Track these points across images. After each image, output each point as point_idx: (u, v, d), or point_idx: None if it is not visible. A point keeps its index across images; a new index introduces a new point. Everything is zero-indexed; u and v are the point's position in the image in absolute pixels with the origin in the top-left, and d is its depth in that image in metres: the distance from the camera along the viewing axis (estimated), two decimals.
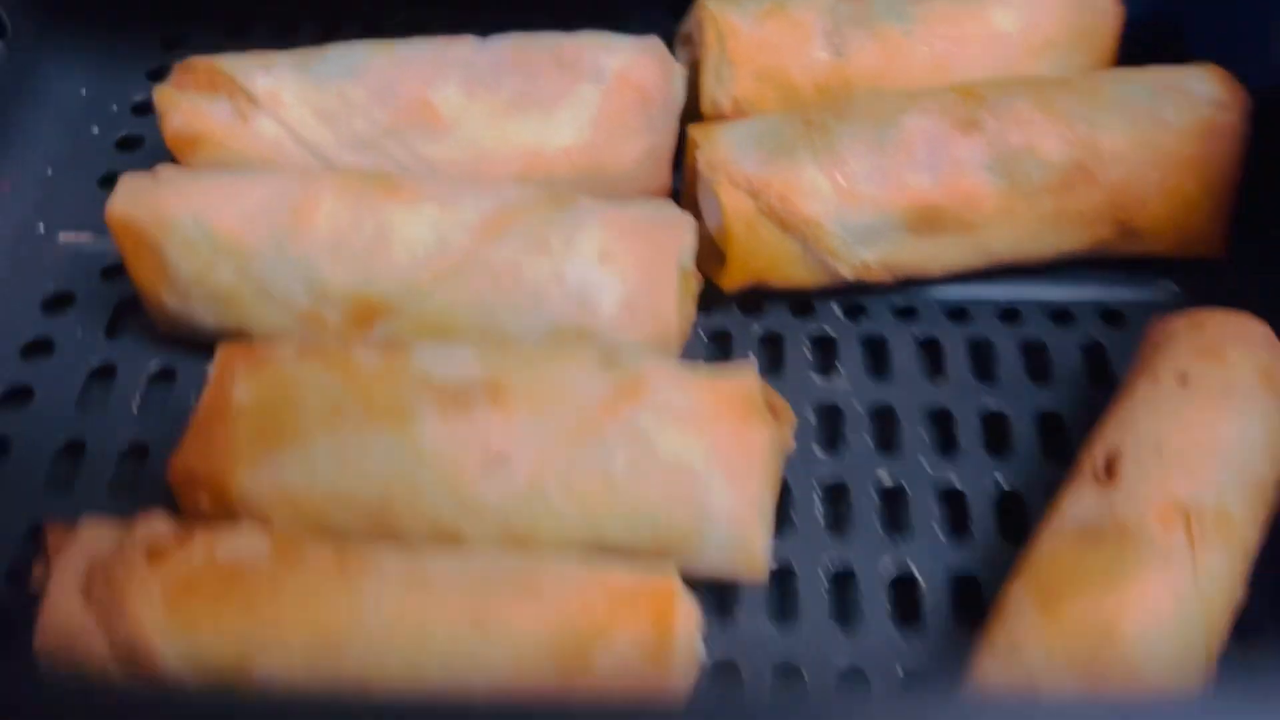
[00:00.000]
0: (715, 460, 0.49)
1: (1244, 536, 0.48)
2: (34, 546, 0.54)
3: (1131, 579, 0.46)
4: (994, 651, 0.47)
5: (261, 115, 0.62)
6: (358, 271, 0.56)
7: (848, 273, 0.62)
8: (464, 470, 0.49)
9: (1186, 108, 0.61)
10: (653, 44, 0.63)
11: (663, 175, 0.64)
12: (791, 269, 0.62)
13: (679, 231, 0.57)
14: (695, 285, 0.59)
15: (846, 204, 0.60)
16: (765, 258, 0.61)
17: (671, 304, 0.56)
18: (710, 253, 0.62)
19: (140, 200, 0.57)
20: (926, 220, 0.60)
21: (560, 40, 0.63)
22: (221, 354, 0.52)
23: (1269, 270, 0.63)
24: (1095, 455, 0.52)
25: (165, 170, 0.58)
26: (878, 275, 0.62)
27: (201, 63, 0.63)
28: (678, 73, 0.63)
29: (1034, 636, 0.46)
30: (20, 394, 0.61)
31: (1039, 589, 0.48)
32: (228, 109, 0.62)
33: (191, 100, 0.62)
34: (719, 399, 0.51)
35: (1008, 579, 0.50)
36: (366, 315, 0.56)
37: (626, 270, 0.56)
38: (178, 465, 0.50)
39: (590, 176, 0.62)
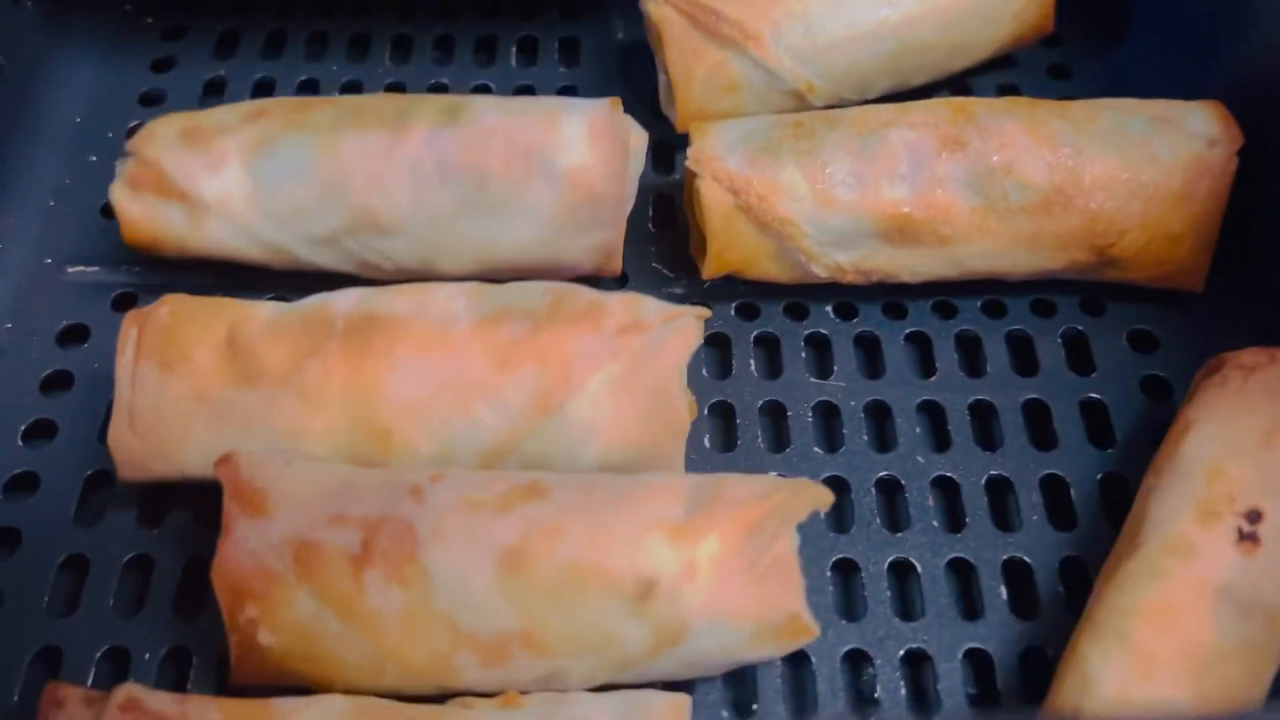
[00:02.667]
0: None
1: None
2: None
3: None
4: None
5: (214, 219, 0.61)
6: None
7: (821, 272, 0.64)
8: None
9: (1179, 142, 0.62)
10: (607, 127, 0.61)
11: (613, 264, 0.64)
12: (767, 265, 0.64)
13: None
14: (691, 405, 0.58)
15: (822, 207, 0.62)
16: (742, 251, 0.63)
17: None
18: (700, 244, 0.65)
19: None
20: (900, 230, 0.62)
21: (512, 127, 0.61)
22: (218, 582, 0.49)
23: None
24: (1233, 505, 0.50)
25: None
26: (851, 278, 0.64)
27: (150, 162, 0.61)
28: (632, 161, 0.62)
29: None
30: (43, 430, 0.62)
31: (1184, 654, 0.47)
32: (181, 212, 0.61)
33: (145, 202, 0.61)
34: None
35: (1105, 605, 0.50)
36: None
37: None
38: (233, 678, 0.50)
39: (541, 266, 0.63)
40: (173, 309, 0.56)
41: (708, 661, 0.50)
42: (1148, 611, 0.49)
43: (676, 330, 0.55)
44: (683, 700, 0.48)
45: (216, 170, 0.61)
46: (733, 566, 0.48)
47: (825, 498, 0.51)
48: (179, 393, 0.54)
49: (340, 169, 0.60)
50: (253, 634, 0.48)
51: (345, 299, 0.57)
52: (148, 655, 0.55)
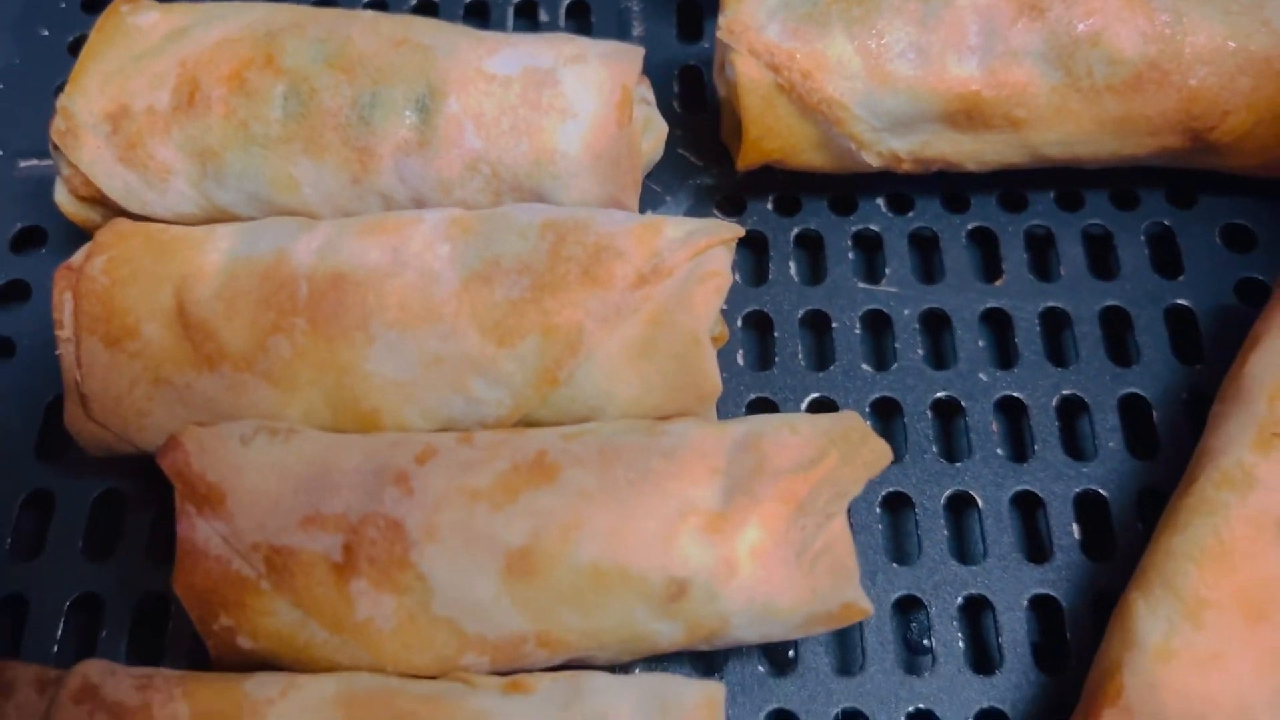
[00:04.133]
0: None
1: None
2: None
3: None
4: (1188, 661, 0.42)
5: (172, 220, 0.55)
6: None
7: (874, 161, 0.56)
8: None
9: None
10: (612, 149, 0.52)
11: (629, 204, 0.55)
12: (811, 154, 0.57)
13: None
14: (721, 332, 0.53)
15: (877, 86, 0.54)
16: (781, 139, 0.56)
17: None
18: (734, 127, 0.58)
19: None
20: (967, 113, 0.54)
21: (495, 158, 0.52)
22: (183, 593, 0.43)
23: None
24: None
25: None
26: (907, 167, 0.57)
27: (85, 178, 0.55)
28: (646, 158, 0.57)
29: (1239, 648, 0.42)
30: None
31: (1242, 596, 0.43)
32: (137, 215, 0.55)
33: (96, 210, 0.56)
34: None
35: (1158, 549, 0.46)
36: None
37: None
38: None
39: None
40: (108, 263, 0.49)
41: (746, 644, 0.45)
42: (1199, 552, 0.44)
43: (702, 277, 0.46)
44: (716, 692, 0.42)
45: (162, 192, 0.55)
46: (778, 557, 0.42)
47: (884, 455, 0.44)
48: (132, 375, 0.47)
49: (303, 205, 0.54)
50: (230, 640, 0.43)
51: (306, 248, 0.49)
52: (121, 603, 0.50)
